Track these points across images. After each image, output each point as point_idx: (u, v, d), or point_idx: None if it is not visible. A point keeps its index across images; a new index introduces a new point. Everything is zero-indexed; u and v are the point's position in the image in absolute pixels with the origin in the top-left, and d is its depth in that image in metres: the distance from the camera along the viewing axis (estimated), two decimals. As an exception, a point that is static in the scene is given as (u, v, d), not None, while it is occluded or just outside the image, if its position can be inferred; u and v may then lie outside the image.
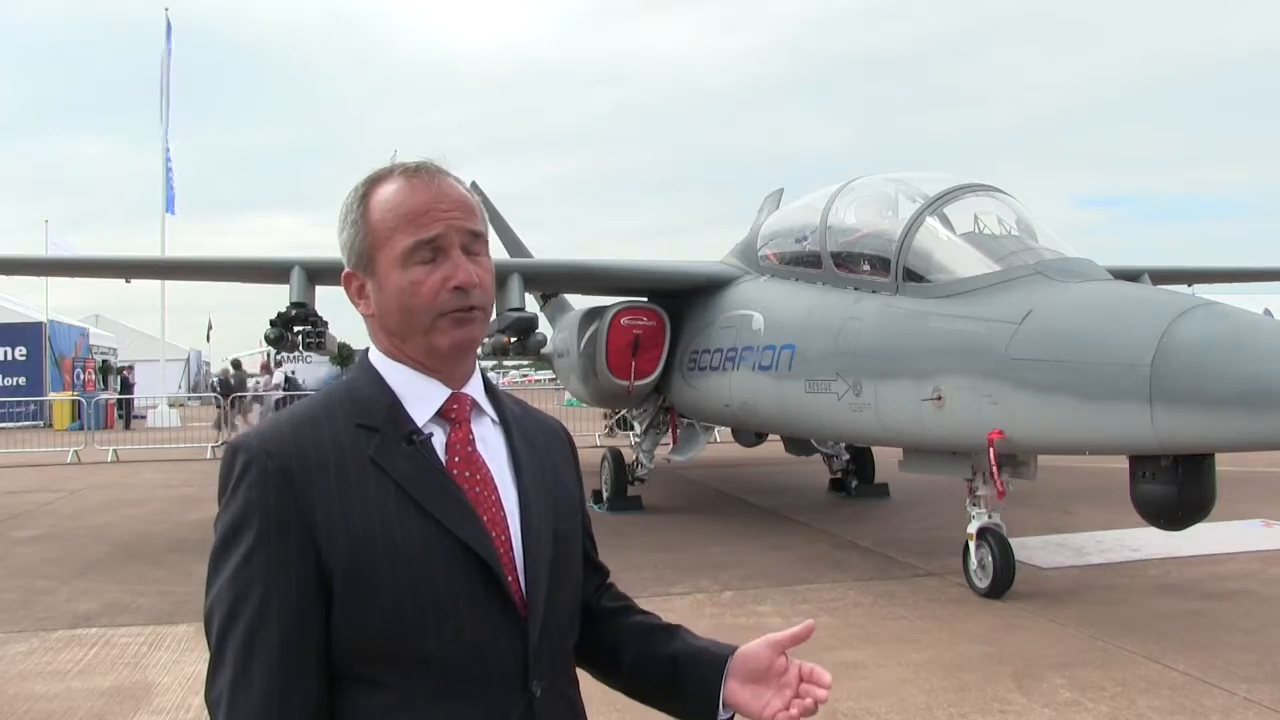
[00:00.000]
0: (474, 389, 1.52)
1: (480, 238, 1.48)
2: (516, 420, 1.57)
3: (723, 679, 1.55)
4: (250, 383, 24.61)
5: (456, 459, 1.45)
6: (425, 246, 1.42)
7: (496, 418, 1.54)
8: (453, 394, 1.48)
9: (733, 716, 1.58)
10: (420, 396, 1.46)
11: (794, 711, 1.50)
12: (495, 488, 1.46)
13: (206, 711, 1.38)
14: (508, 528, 1.44)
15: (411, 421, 1.44)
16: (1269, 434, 5.21)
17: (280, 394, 22.40)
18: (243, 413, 22.15)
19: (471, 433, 1.48)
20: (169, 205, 29.46)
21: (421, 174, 1.47)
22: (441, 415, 1.47)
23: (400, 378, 1.47)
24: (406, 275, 1.43)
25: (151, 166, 30.01)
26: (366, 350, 1.53)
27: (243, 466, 1.37)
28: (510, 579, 1.42)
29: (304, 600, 1.34)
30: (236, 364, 25.23)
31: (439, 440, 1.45)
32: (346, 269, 1.51)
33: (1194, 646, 5.80)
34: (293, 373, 24.06)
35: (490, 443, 1.51)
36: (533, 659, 1.42)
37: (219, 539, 1.37)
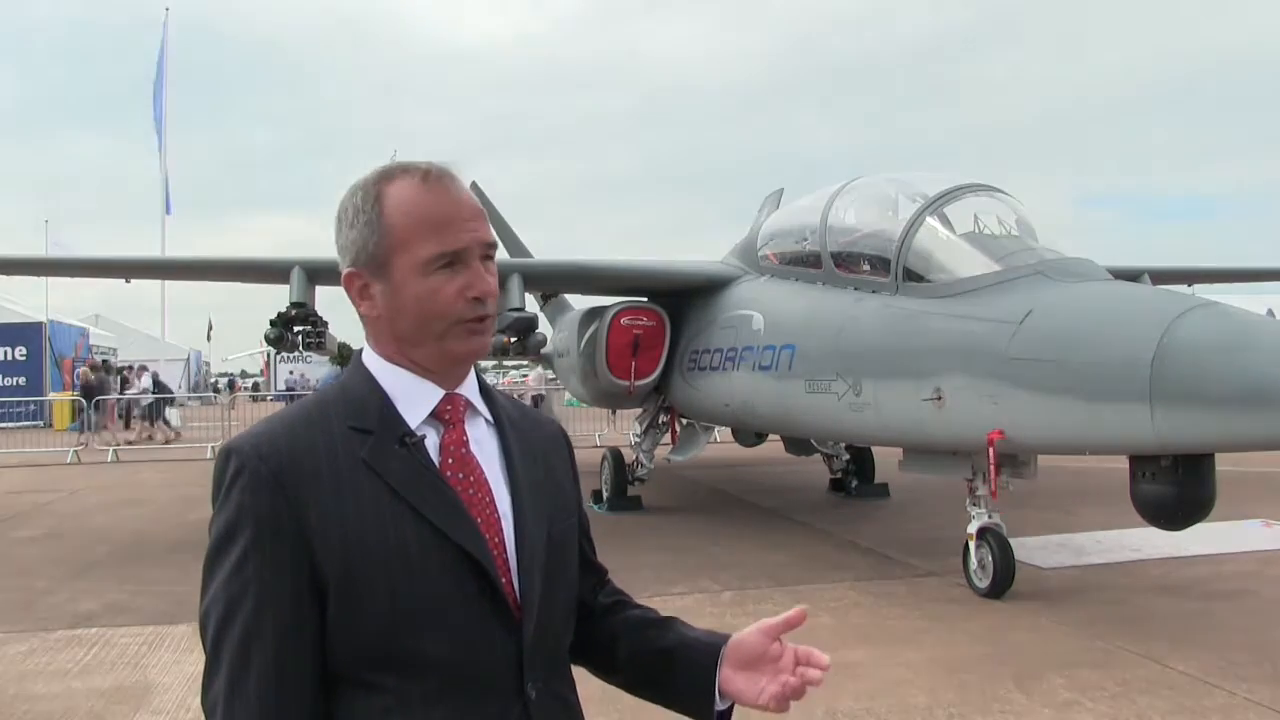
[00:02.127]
0: (468, 390, 1.51)
1: (494, 246, 1.50)
2: (511, 421, 1.56)
3: (717, 668, 1.54)
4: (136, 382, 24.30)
5: (450, 460, 1.44)
6: (449, 255, 1.42)
7: (491, 418, 1.54)
8: (446, 395, 1.48)
9: (730, 706, 1.56)
10: (414, 398, 1.46)
11: (779, 689, 1.48)
12: (489, 489, 1.45)
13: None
14: (502, 529, 1.44)
15: (404, 423, 1.43)
16: (1269, 434, 5.20)
17: (150, 397, 22.13)
18: (106, 415, 21.96)
19: (465, 434, 1.48)
20: (166, 205, 29.47)
21: (443, 179, 1.46)
22: (435, 416, 1.46)
23: (394, 379, 1.46)
24: (426, 283, 1.42)
25: (153, 166, 30.07)
26: (360, 351, 1.53)
27: (235, 470, 1.36)
28: (504, 581, 1.41)
29: (298, 604, 1.34)
30: (98, 366, 25.13)
31: (432, 442, 1.45)
32: (351, 268, 1.48)
33: (1194, 646, 5.79)
34: (291, 375, 24.00)
35: (484, 444, 1.50)
36: (527, 661, 1.42)
37: (213, 543, 1.37)
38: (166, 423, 22.53)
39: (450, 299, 1.42)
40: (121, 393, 24.33)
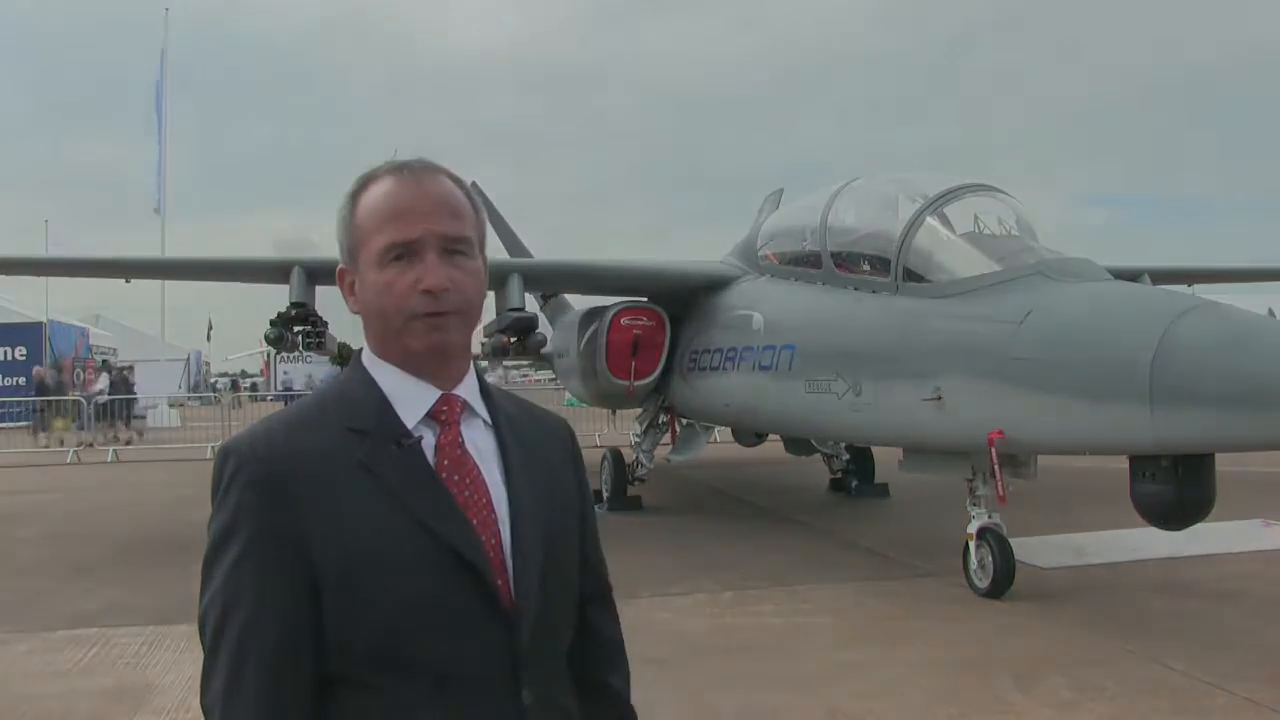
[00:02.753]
0: (466, 390, 1.51)
1: (462, 241, 1.45)
2: (511, 420, 1.55)
3: None
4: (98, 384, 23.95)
5: (446, 462, 1.44)
6: (400, 247, 1.41)
7: (489, 419, 1.53)
8: (443, 395, 1.47)
9: None
10: (410, 398, 1.46)
11: None
12: (486, 490, 1.45)
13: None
14: (498, 531, 1.43)
15: (401, 424, 1.43)
16: (1269, 434, 5.19)
17: (105, 398, 21.78)
18: (60, 416, 21.76)
19: (461, 435, 1.47)
20: (158, 204, 29.45)
21: (406, 172, 1.46)
22: (432, 417, 1.46)
23: (390, 379, 1.46)
24: (381, 275, 1.42)
25: (152, 166, 30.03)
26: (360, 351, 1.53)
27: (233, 471, 1.37)
28: (500, 583, 1.41)
29: (295, 605, 1.34)
30: (59, 367, 24.96)
31: (429, 443, 1.44)
32: (340, 265, 1.53)
33: (1194, 646, 5.79)
34: (286, 375, 23.61)
35: (481, 445, 1.49)
36: (523, 665, 1.41)
37: (211, 543, 1.38)
38: (127, 423, 22.39)
39: (403, 292, 1.41)
40: (114, 392, 24.24)
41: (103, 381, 23.39)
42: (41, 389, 22.68)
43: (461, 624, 1.38)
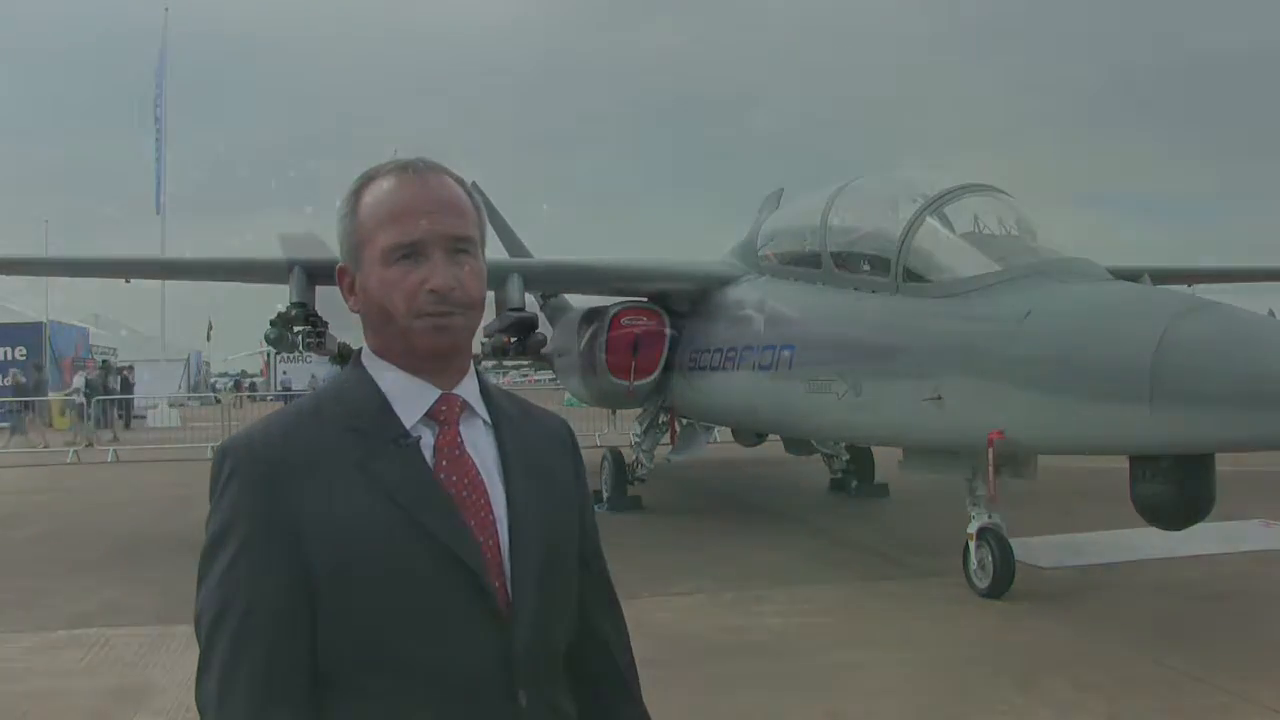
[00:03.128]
0: (466, 390, 1.50)
1: (466, 240, 1.46)
2: (511, 421, 1.55)
3: None
4: (72, 381, 23.82)
5: (444, 462, 1.43)
6: (406, 248, 1.41)
7: (489, 419, 1.52)
8: (442, 395, 1.47)
9: None
10: (409, 398, 1.45)
11: None
12: (484, 491, 1.44)
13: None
14: (496, 532, 1.43)
15: (400, 424, 1.43)
16: (1270, 434, 5.19)
17: (80, 399, 21.64)
18: (36, 416, 21.65)
19: (460, 435, 1.47)
20: (157, 205, 29.51)
21: (410, 171, 1.46)
22: (431, 417, 1.46)
23: (390, 378, 1.46)
24: (386, 274, 1.42)
25: (152, 166, 30.07)
26: (360, 350, 1.53)
27: (230, 470, 1.37)
28: (497, 585, 1.41)
29: (289, 605, 1.34)
30: (38, 366, 24.98)
31: (427, 443, 1.44)
32: (340, 263, 1.52)
33: (1194, 646, 5.79)
34: (285, 375, 23.44)
35: (480, 445, 1.49)
36: (519, 667, 1.40)
37: (207, 541, 1.38)
38: (126, 425, 22.30)
39: (409, 292, 1.41)
40: (122, 392, 24.23)
41: (78, 380, 23.11)
42: (19, 388, 22.58)
43: (457, 626, 1.37)
